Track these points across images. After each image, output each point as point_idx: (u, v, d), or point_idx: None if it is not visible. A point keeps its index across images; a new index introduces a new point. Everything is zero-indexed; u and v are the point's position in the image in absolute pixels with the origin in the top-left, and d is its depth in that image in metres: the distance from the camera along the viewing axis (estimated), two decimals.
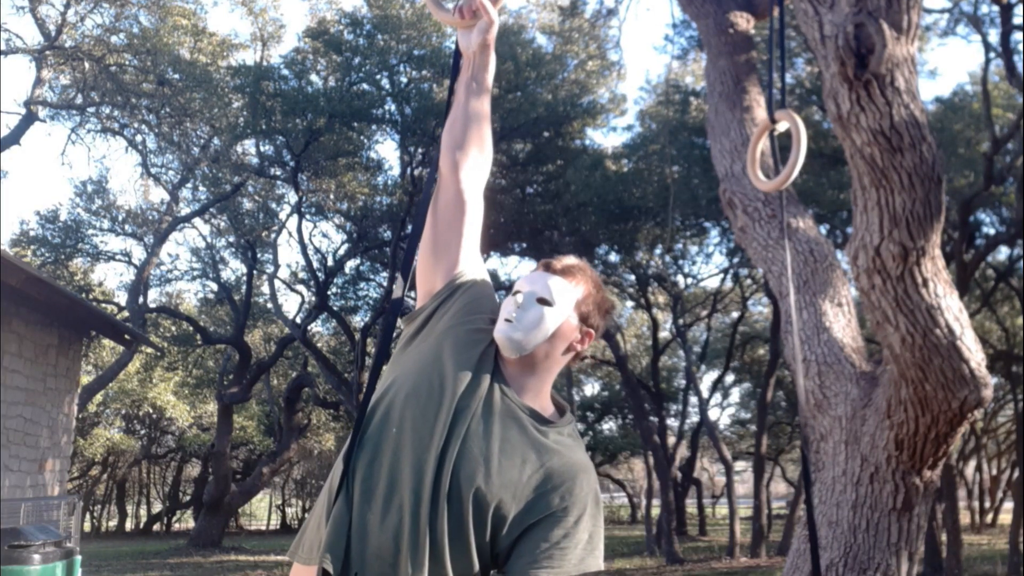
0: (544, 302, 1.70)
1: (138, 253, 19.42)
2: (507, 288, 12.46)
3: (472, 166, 1.84)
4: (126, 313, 17.27)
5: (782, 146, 3.21)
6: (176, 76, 15.10)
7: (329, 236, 21.60)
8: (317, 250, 19.25)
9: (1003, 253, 16.01)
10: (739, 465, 27.81)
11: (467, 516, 1.55)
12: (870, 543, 3.66)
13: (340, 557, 1.54)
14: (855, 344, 4.16)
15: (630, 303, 22.06)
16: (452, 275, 1.79)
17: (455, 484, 1.55)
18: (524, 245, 16.55)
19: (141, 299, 17.53)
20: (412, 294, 1.89)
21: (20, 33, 15.53)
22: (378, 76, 14.80)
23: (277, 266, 19.26)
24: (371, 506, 1.56)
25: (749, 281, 18.88)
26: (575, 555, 1.60)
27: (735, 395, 28.32)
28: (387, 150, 45.10)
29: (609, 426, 29.23)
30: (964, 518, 20.17)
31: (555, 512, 1.60)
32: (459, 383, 1.62)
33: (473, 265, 1.82)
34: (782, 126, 2.22)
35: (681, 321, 19.21)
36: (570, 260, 1.78)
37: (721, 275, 19.48)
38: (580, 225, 15.01)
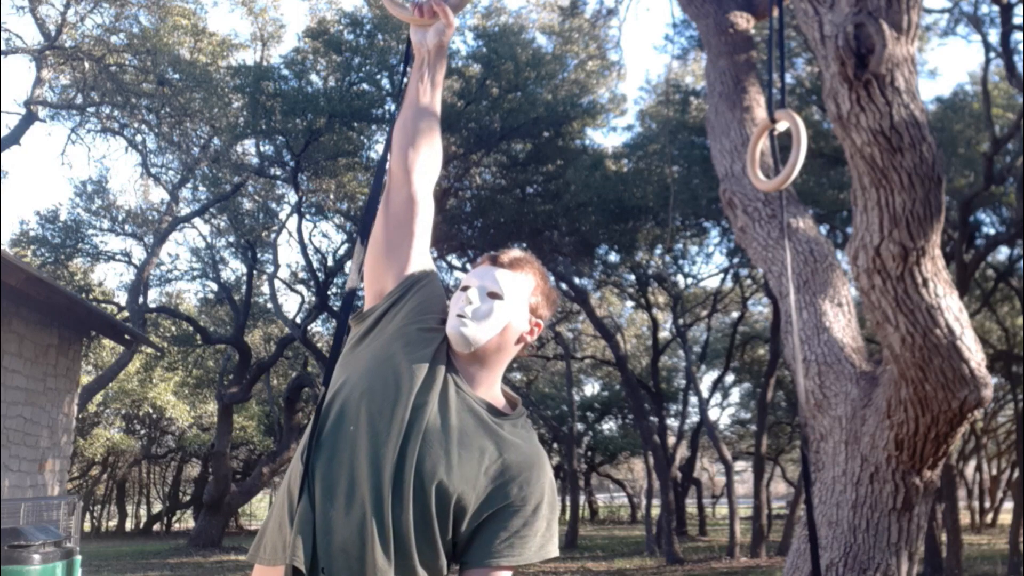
0: (495, 296, 1.72)
1: (138, 253, 19.46)
2: None
3: (424, 166, 1.84)
4: (126, 313, 17.27)
5: (782, 146, 3.20)
6: (176, 76, 15.09)
7: (329, 236, 21.52)
8: (317, 250, 19.27)
9: (1003, 253, 16.01)
10: (739, 465, 27.78)
11: (431, 509, 1.58)
12: (870, 543, 3.66)
13: (309, 554, 1.56)
14: (855, 344, 4.16)
15: (630, 303, 22.06)
16: (404, 275, 1.79)
17: (419, 478, 1.57)
18: (524, 245, 16.54)
19: (141, 299, 17.52)
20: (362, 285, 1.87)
21: (20, 33, 15.55)
22: (378, 76, 14.78)
23: (277, 266, 19.26)
24: (333, 503, 1.57)
25: (749, 281, 18.87)
26: (535, 543, 1.65)
27: (735, 395, 28.35)
28: None
29: (609, 426, 29.23)
30: (964, 518, 20.17)
31: (513, 502, 1.64)
32: (415, 380, 1.64)
33: (424, 265, 1.82)
34: (782, 126, 2.21)
35: (681, 321, 19.21)
36: (516, 253, 1.79)
37: (721, 275, 19.49)
38: (580, 225, 14.99)
